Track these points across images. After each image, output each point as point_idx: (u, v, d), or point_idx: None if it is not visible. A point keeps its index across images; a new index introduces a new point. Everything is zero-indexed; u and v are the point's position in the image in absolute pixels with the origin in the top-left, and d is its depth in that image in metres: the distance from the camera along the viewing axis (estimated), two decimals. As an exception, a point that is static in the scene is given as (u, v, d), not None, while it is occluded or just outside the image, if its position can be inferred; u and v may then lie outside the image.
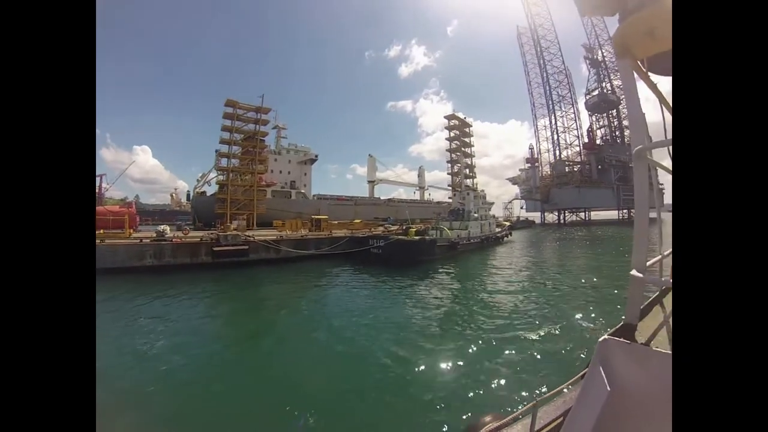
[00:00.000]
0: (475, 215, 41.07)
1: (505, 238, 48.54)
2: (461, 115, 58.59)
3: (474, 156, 57.24)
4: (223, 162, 47.66)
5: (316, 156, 67.36)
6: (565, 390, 2.95)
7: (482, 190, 52.40)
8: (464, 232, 36.41)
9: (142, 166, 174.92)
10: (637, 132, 2.74)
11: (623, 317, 2.72)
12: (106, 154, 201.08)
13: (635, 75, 2.89)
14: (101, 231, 23.71)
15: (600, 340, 2.27)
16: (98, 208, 27.14)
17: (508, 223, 66.01)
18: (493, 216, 52.29)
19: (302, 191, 62.65)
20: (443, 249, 29.69)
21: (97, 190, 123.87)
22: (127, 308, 13.58)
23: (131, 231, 25.01)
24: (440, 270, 23.13)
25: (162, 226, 25.92)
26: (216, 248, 23.26)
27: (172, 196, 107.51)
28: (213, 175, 50.29)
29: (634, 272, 2.56)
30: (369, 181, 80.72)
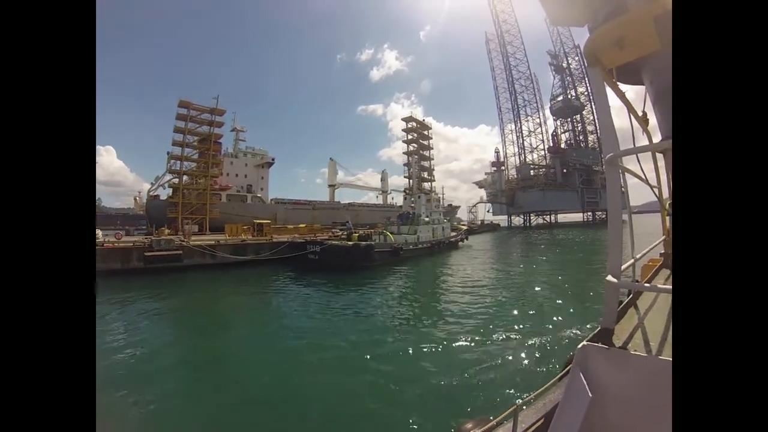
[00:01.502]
0: (426, 219, 41.03)
1: (461, 243, 48.75)
2: (420, 117, 60.44)
3: (432, 159, 59.36)
4: (177, 165, 48.21)
5: (273, 159, 68.01)
6: (544, 392, 2.97)
7: (437, 194, 53.15)
8: (412, 237, 36.36)
9: (106, 167, 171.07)
10: (608, 139, 2.76)
11: (600, 320, 2.76)
12: None
13: (605, 84, 2.95)
14: None
15: (579, 346, 2.34)
16: None
17: (464, 227, 66.58)
18: (447, 220, 52.62)
19: (259, 195, 63.21)
20: (384, 255, 29.65)
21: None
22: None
23: None
24: (372, 278, 23.31)
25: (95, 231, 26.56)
26: (147, 253, 24.22)
27: (135, 199, 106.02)
28: (168, 177, 50.61)
29: (609, 278, 2.58)
30: (329, 185, 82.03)
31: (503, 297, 16.42)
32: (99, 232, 26.66)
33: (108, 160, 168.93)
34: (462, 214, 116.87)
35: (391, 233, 36.17)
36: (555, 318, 12.21)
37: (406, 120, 53.21)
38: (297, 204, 68.55)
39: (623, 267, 2.73)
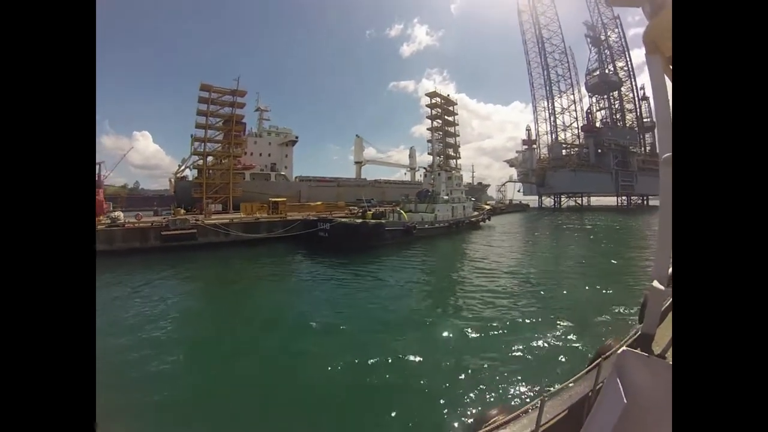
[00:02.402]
0: (445, 197, 40.27)
1: (483, 223, 47.74)
2: (452, 94, 59.53)
3: (458, 135, 58.79)
4: (201, 147, 50.19)
5: (297, 137, 68.97)
6: (570, 385, 2.95)
7: (460, 171, 52.64)
8: (429, 215, 35.84)
9: (142, 152, 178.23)
10: (665, 136, 2.61)
11: (639, 326, 2.67)
12: (106, 141, 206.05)
13: (665, 74, 2.73)
14: None
15: (619, 351, 2.30)
16: None
17: (488, 207, 66.22)
18: (473, 199, 51.17)
19: (282, 173, 64.89)
20: (396, 234, 29.68)
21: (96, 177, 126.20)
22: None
23: (101, 217, 27.79)
24: (380, 257, 23.81)
25: (116, 213, 28.63)
26: (164, 233, 25.99)
27: (170, 181, 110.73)
28: (193, 159, 52.96)
29: (655, 283, 2.50)
30: (356, 162, 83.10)
31: (505, 291, 15.52)
32: (120, 214, 28.53)
33: (144, 145, 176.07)
34: (492, 193, 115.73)
35: (409, 211, 35.70)
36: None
37: (430, 95, 52.37)
38: (321, 181, 69.66)
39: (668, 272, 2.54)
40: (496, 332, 10.48)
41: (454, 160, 59.94)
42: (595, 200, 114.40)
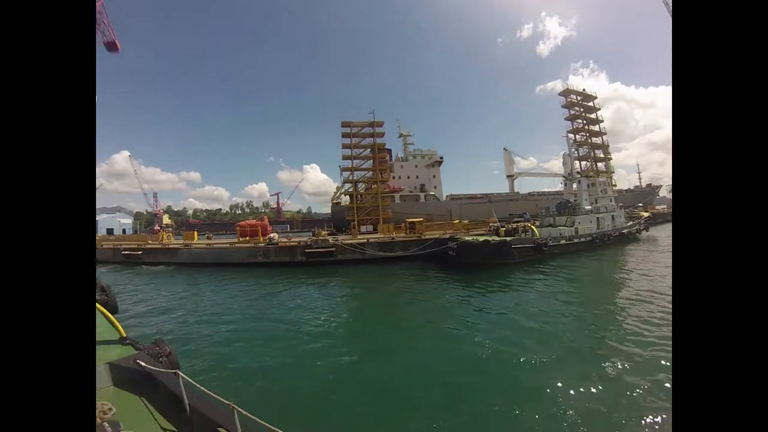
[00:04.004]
0: (587, 207, 36.56)
1: (641, 234, 41.92)
2: (590, 86, 54.02)
3: (605, 134, 52.34)
4: (350, 175, 56.82)
5: (441, 158, 71.49)
6: None
7: (610, 175, 46.78)
8: (569, 229, 32.67)
9: (312, 181, 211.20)
10: None
11: None
12: (282, 175, 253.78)
13: None
14: (247, 238, 34.82)
15: None
16: (242, 222, 39.76)
17: (646, 215, 53.74)
18: (619, 206, 44.03)
19: (432, 193, 67.68)
20: (525, 251, 27.71)
21: (275, 205, 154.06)
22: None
23: (262, 237, 34.94)
24: (502, 277, 22.37)
25: (273, 234, 35.11)
26: (308, 250, 30.95)
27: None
28: (346, 187, 60.07)
29: None
30: (507, 176, 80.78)
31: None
32: (275, 235, 35.30)
33: (314, 175, 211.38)
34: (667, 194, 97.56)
35: (548, 225, 33.68)
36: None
37: (564, 94, 47.99)
38: (472, 199, 70.00)
39: None
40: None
41: (604, 163, 53.40)
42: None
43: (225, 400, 3.87)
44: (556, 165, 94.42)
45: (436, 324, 13.98)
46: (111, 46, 70.60)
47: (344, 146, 55.42)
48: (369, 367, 10.00)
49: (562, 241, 30.73)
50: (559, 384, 8.22)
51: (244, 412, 3.68)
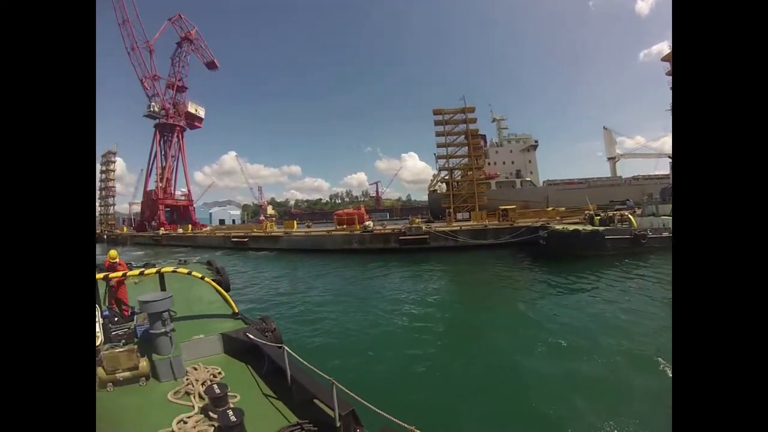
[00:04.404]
0: None
1: None
2: None
3: None
4: (446, 163, 57.33)
5: (536, 142, 68.89)
6: None
7: None
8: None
9: (411, 169, 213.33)
10: None
11: None
12: (380, 165, 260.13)
13: None
14: (344, 226, 37.59)
15: None
16: (339, 211, 42.87)
17: None
18: None
19: (528, 179, 65.53)
20: (620, 243, 25.28)
21: (374, 194, 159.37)
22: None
23: (358, 225, 37.33)
24: (595, 269, 20.65)
25: (368, 222, 37.21)
26: (401, 237, 32.49)
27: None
28: (442, 174, 60.70)
29: None
30: (608, 159, 74.70)
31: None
32: (370, 223, 37.19)
33: (412, 164, 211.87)
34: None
35: (650, 215, 30.15)
36: None
37: (668, 59, 40.80)
38: (570, 184, 66.65)
39: None
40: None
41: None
42: None
43: (326, 376, 4.24)
44: (668, 143, 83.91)
45: (510, 318, 13.63)
46: (211, 65, 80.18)
47: (437, 134, 55.79)
48: (450, 359, 9.94)
49: (665, 234, 26.05)
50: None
51: (343, 388, 4.05)
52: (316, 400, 4.53)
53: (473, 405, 7.49)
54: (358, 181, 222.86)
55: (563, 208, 43.91)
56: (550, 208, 45.52)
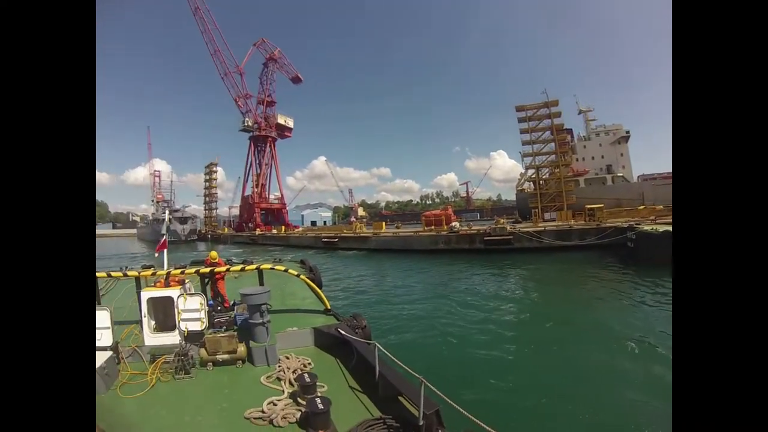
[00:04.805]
0: None
1: None
2: None
3: None
4: (531, 160, 56.33)
5: (628, 132, 63.46)
6: None
7: None
8: None
9: (501, 168, 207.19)
10: None
11: None
12: (469, 164, 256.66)
13: None
14: (432, 227, 39.33)
15: None
16: (427, 213, 44.75)
17: None
18: None
19: (620, 174, 60.91)
20: None
21: (465, 195, 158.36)
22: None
23: (445, 226, 38.69)
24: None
25: (454, 222, 38.61)
26: (486, 238, 33.56)
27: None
28: (529, 173, 59.19)
29: None
30: (717, 148, 67.21)
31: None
32: (456, 224, 38.61)
33: (501, 162, 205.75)
34: None
35: None
36: None
37: None
38: (669, 178, 61.05)
39: None
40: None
41: None
42: None
43: (415, 374, 4.25)
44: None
45: (592, 326, 12.96)
46: (295, 80, 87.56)
47: (522, 131, 55.26)
48: (538, 363, 9.81)
49: None
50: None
51: (432, 387, 4.05)
52: (401, 397, 4.71)
53: (561, 411, 7.41)
54: (448, 181, 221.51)
55: (660, 206, 40.30)
56: (641, 207, 42.69)
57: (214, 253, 9.60)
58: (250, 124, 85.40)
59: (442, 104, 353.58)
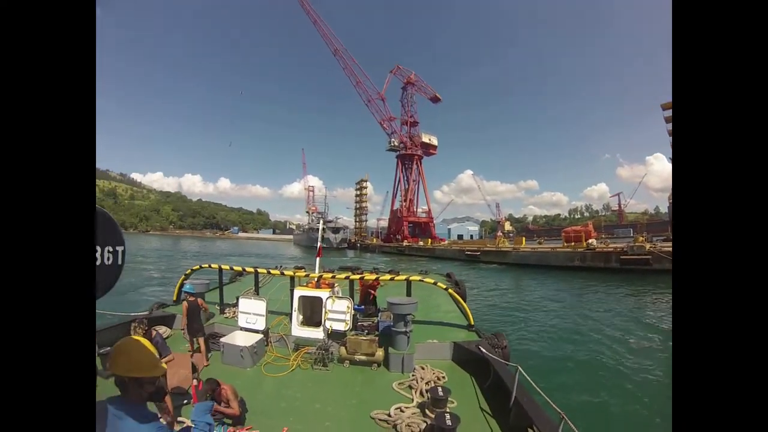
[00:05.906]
0: None
1: None
2: None
3: None
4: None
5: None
6: None
7: None
8: None
9: (659, 174, 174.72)
10: None
11: None
12: (621, 173, 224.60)
13: None
14: (572, 243, 40.28)
15: None
16: (567, 228, 45.37)
17: None
18: None
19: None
20: None
21: (617, 208, 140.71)
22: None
23: (585, 243, 39.05)
24: None
25: (591, 240, 38.91)
26: (622, 257, 33.79)
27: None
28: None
29: None
30: None
31: None
32: (593, 241, 38.75)
33: (659, 168, 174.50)
34: None
35: None
36: None
37: None
38: None
39: None
40: None
41: None
42: None
43: (556, 407, 4.05)
44: None
45: None
46: (434, 99, 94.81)
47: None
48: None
49: None
50: None
51: (572, 426, 3.65)
52: (533, 429, 4.31)
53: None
54: (598, 192, 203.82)
55: None
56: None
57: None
58: (396, 143, 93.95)
59: (595, 111, 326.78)
